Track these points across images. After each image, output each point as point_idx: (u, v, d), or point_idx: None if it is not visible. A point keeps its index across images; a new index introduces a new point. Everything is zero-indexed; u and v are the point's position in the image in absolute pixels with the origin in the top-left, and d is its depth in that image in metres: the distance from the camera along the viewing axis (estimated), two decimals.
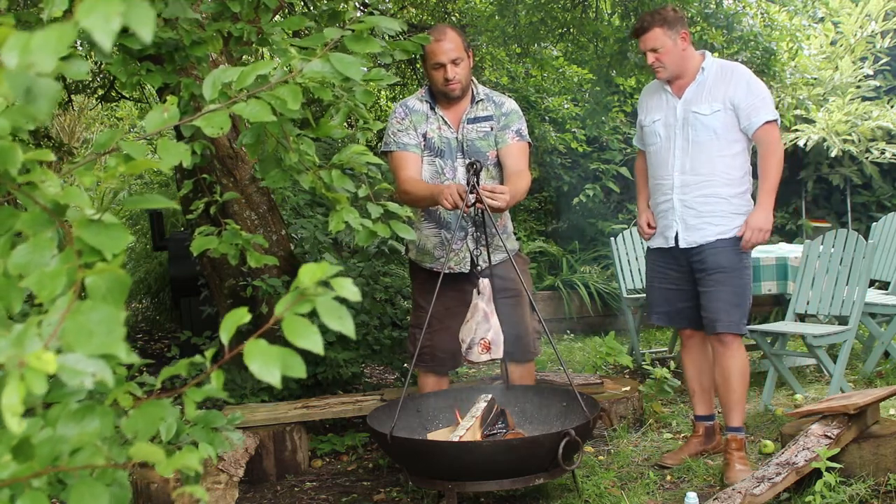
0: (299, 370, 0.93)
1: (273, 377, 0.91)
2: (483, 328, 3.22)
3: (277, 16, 3.89)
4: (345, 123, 1.78)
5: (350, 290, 0.96)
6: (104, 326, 0.84)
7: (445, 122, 3.42)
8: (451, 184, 3.22)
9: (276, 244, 4.43)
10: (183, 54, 2.04)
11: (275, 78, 1.30)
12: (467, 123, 3.43)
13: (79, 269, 0.92)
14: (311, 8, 4.49)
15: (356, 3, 6.05)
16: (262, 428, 3.72)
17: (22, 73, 0.83)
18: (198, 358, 1.19)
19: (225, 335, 0.98)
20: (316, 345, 0.93)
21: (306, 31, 3.21)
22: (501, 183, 3.41)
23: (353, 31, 1.46)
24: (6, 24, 0.86)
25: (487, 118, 3.45)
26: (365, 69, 1.49)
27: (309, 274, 0.94)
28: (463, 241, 3.41)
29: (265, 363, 0.92)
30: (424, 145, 3.40)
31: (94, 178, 1.04)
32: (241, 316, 0.98)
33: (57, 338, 0.84)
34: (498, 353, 3.22)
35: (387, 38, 2.78)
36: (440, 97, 3.43)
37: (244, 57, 2.83)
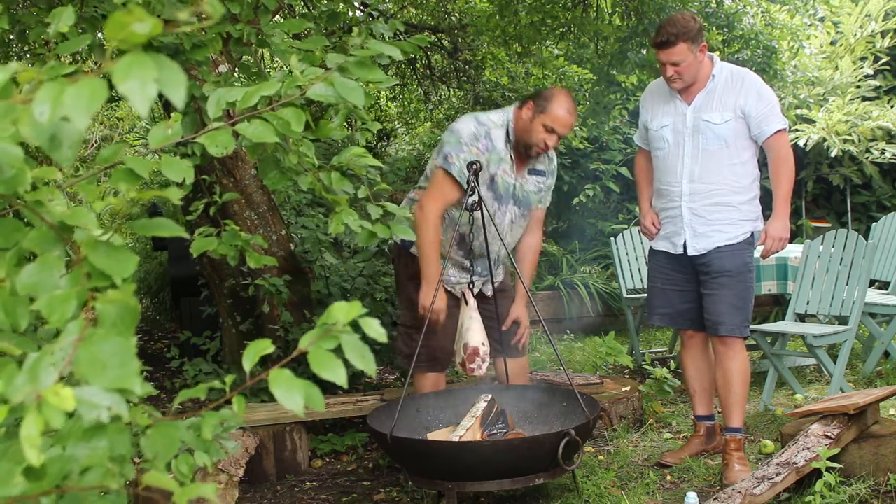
0: (319, 404, 0.97)
1: (297, 405, 0.95)
2: (482, 336, 3.26)
3: (277, 16, 3.89)
4: (344, 124, 1.78)
5: (377, 330, 1.00)
6: (117, 359, 0.85)
7: (511, 167, 3.38)
8: (441, 306, 3.26)
9: (277, 244, 4.43)
10: (183, 57, 2.04)
11: (277, 91, 1.30)
12: (528, 174, 3.45)
13: (88, 293, 0.92)
14: (311, 8, 4.49)
15: (355, 4, 6.04)
16: (262, 428, 3.72)
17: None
18: (217, 383, 1.21)
19: (248, 363, 1.02)
20: (340, 378, 0.96)
21: (306, 33, 3.21)
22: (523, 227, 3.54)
23: (356, 57, 1.46)
24: (30, 70, 0.87)
25: (542, 173, 3.51)
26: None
27: (341, 312, 0.98)
28: (484, 278, 3.44)
29: (289, 391, 0.95)
30: (489, 186, 3.33)
31: (104, 203, 1.05)
32: (265, 346, 1.02)
33: (69, 365, 0.84)
34: (487, 359, 3.28)
35: (387, 38, 2.78)
36: (517, 143, 3.36)
37: (244, 58, 2.83)
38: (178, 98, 0.84)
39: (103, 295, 0.92)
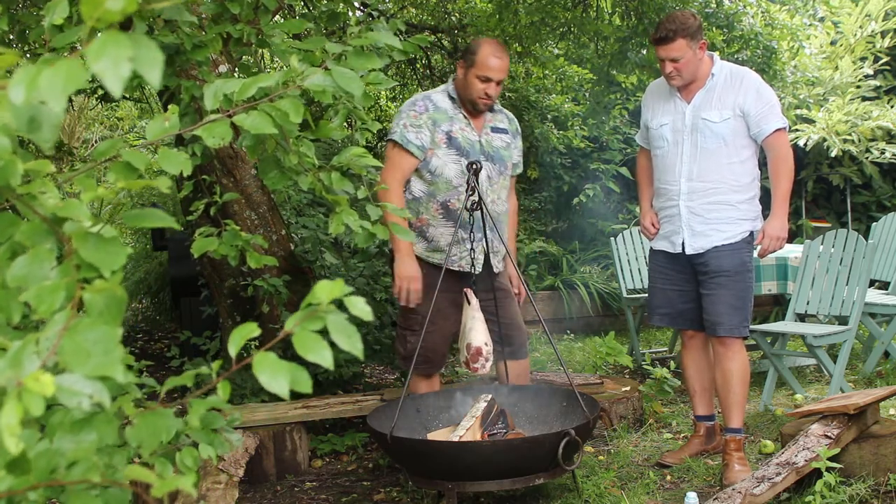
0: (306, 385, 0.95)
1: (281, 388, 0.93)
2: (485, 336, 3.25)
3: (277, 16, 3.89)
4: (344, 124, 1.78)
5: (362, 309, 0.98)
6: (101, 346, 0.84)
7: (469, 125, 3.42)
8: (415, 276, 3.28)
9: (277, 244, 4.43)
10: (184, 57, 2.04)
11: (275, 83, 1.30)
12: (491, 132, 3.48)
13: (77, 284, 0.92)
14: (311, 8, 4.49)
15: (355, 3, 6.04)
16: (262, 428, 3.72)
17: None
18: (204, 369, 1.20)
19: (233, 348, 1.00)
20: (326, 359, 0.95)
21: (306, 33, 3.20)
22: (506, 188, 3.56)
23: (353, 46, 1.46)
24: (10, 53, 0.86)
25: (505, 131, 3.55)
26: (364, 72, 1.49)
27: (324, 291, 0.96)
28: (480, 242, 3.41)
29: (274, 374, 0.94)
30: (448, 143, 3.36)
31: (95, 194, 1.04)
32: (251, 330, 1.01)
33: (54, 354, 0.84)
34: (491, 358, 3.27)
35: None
36: (464, 103, 3.42)
37: (244, 58, 2.83)
38: (154, 77, 0.83)
39: (90, 285, 0.92)
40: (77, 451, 0.92)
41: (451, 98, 3.42)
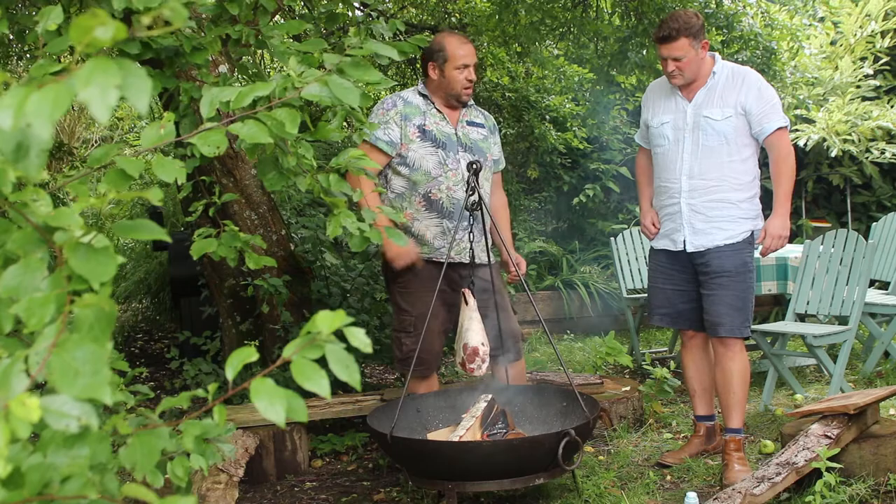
0: (302, 415, 0.95)
1: (278, 416, 0.93)
2: (482, 336, 3.24)
3: (277, 16, 3.89)
4: (343, 125, 1.78)
5: (362, 340, 0.98)
6: (90, 366, 0.83)
7: (444, 118, 3.45)
8: (405, 251, 3.29)
9: (276, 244, 4.43)
10: (183, 59, 2.04)
11: (272, 92, 1.29)
12: (467, 125, 3.51)
13: (68, 297, 0.91)
14: (310, 9, 4.49)
15: (355, 4, 6.04)
16: (262, 428, 3.72)
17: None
18: (200, 392, 1.19)
19: (231, 372, 0.99)
20: (323, 389, 0.94)
21: (306, 34, 3.20)
22: (489, 181, 3.56)
23: (352, 57, 1.46)
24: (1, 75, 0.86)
25: (482, 125, 3.59)
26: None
27: (325, 321, 0.95)
28: (465, 232, 3.39)
29: (271, 402, 0.93)
30: (422, 137, 3.39)
31: (86, 204, 1.03)
32: (249, 354, 1.00)
33: (43, 370, 0.83)
34: (487, 359, 3.26)
35: (387, 38, 2.78)
36: (445, 98, 3.45)
37: (244, 58, 2.83)
38: (142, 105, 0.83)
39: (80, 299, 0.91)
40: (71, 466, 0.91)
41: (423, 95, 3.47)
